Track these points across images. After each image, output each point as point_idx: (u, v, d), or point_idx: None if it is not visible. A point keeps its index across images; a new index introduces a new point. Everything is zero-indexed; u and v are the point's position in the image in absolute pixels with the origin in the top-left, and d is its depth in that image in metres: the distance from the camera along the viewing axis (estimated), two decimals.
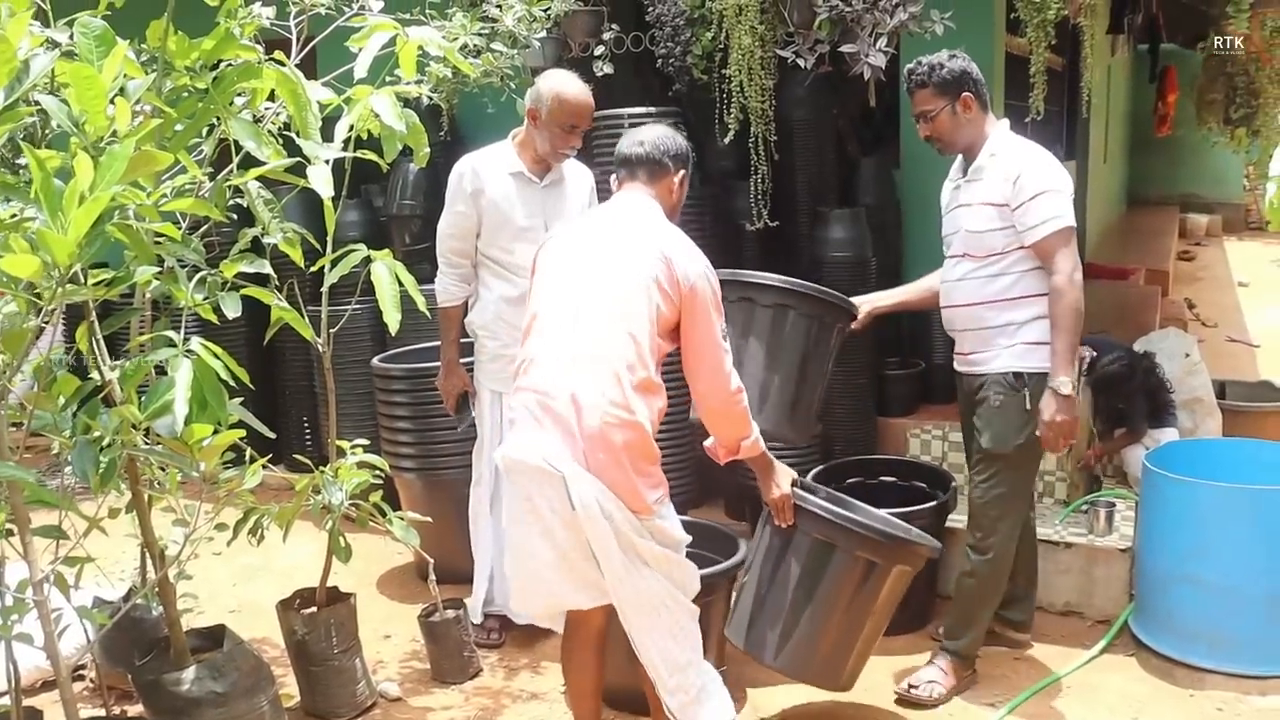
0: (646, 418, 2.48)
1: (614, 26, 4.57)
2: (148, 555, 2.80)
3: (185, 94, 2.22)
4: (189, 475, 2.37)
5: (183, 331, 2.23)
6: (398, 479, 4.30)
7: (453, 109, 4.88)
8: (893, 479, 4.01)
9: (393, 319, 2.66)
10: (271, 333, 2.83)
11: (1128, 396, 4.53)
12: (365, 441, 3.13)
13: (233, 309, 2.38)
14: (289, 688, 3.35)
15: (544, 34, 4.25)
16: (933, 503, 3.68)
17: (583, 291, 2.57)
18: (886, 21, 3.88)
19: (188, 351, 2.14)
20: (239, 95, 2.40)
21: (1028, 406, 3.13)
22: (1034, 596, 3.64)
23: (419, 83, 2.86)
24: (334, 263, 2.85)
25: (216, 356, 2.18)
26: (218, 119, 2.22)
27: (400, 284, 2.78)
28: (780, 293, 3.22)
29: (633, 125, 4.36)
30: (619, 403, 2.44)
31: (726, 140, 4.30)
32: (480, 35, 3.72)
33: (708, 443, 2.82)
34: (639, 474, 2.46)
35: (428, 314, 3.08)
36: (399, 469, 4.26)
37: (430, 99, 3.63)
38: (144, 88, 1.96)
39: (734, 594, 3.15)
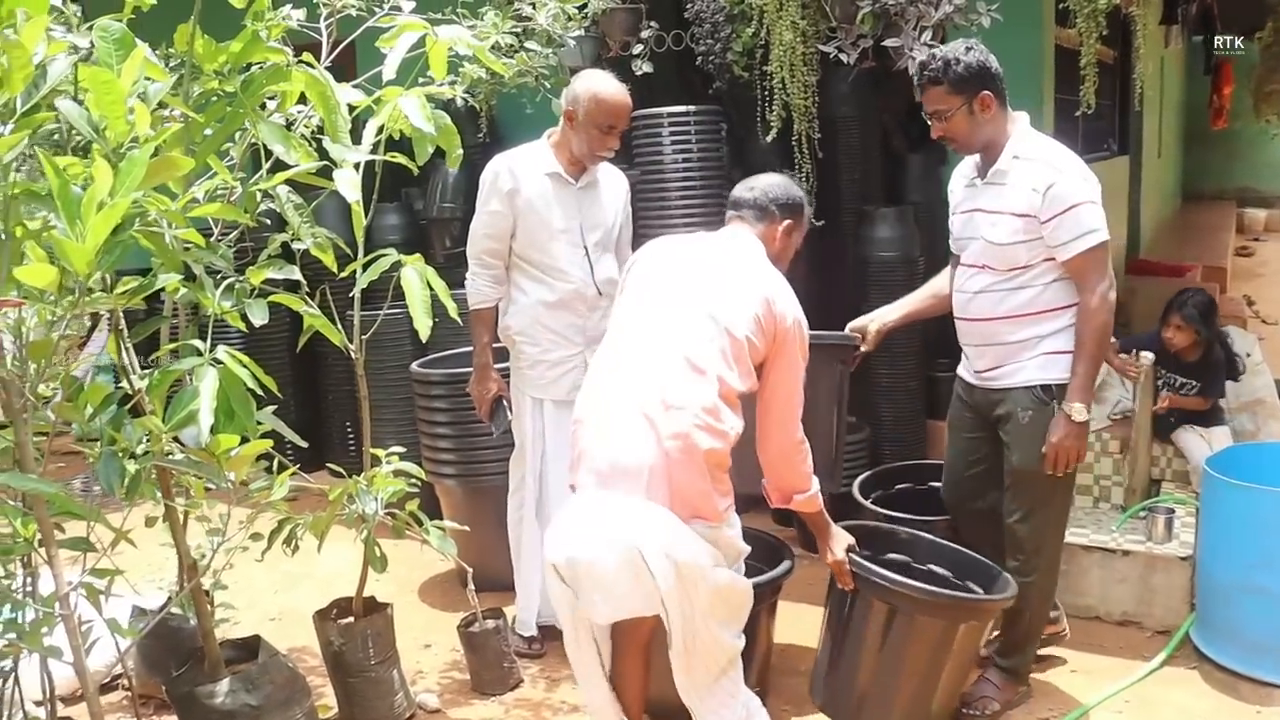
0: (733, 429, 2.46)
1: (653, 24, 4.51)
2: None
3: (214, 98, 2.19)
4: (217, 485, 2.34)
5: (209, 339, 2.20)
6: (438, 486, 4.26)
7: (491, 110, 4.84)
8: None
9: (423, 325, 2.61)
10: (304, 340, 2.79)
11: (1216, 333, 4.41)
12: (401, 449, 3.08)
13: (260, 316, 2.34)
14: (327, 698, 3.32)
15: (581, 32, 4.20)
16: None
17: (685, 305, 2.54)
18: (931, 14, 3.78)
19: (214, 360, 2.10)
20: (270, 98, 2.37)
21: None
22: None
23: (452, 84, 2.81)
24: (364, 267, 2.81)
25: (244, 365, 2.14)
26: (248, 122, 2.18)
27: (431, 289, 2.72)
28: None
29: (672, 124, 4.35)
30: (709, 409, 2.41)
31: (769, 138, 4.23)
32: (513, 34, 3.67)
33: (764, 480, 2.76)
34: (715, 481, 2.44)
35: (459, 319, 3.02)
36: (439, 476, 4.22)
37: (465, 100, 3.58)
38: (164, 91, 1.92)
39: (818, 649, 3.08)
